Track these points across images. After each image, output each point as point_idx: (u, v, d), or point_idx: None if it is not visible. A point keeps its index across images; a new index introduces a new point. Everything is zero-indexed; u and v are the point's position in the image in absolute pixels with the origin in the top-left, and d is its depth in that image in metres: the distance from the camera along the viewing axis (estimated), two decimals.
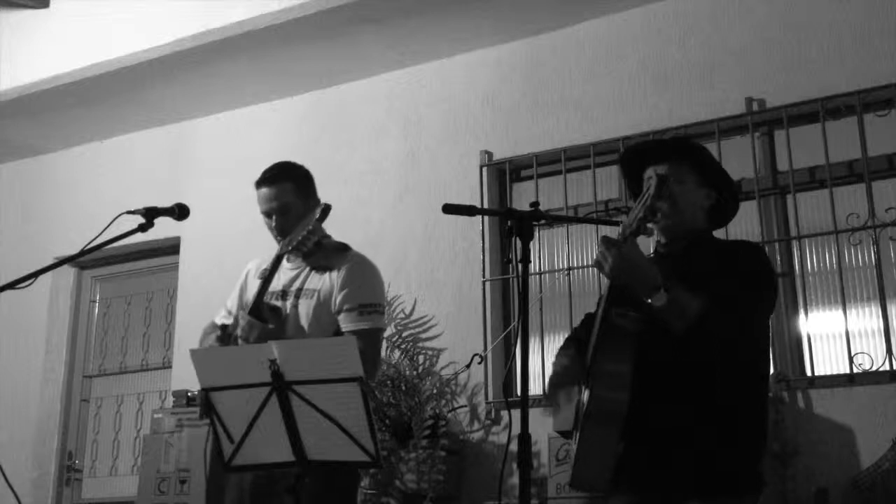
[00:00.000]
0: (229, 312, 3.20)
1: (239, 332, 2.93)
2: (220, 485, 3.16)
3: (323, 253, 3.01)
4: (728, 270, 2.35)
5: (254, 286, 3.08)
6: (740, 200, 2.66)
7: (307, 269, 3.02)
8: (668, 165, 2.48)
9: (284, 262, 3.05)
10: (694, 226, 2.51)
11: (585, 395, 2.34)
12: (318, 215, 2.88)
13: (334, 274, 2.96)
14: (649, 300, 2.24)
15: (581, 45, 4.72)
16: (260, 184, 3.07)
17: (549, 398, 2.57)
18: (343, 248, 3.05)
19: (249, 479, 2.88)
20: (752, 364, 2.40)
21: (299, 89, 5.41)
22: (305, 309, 2.95)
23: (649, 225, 2.38)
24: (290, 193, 3.02)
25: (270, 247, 3.09)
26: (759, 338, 2.43)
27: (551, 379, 2.61)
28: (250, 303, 2.95)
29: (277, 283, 3.02)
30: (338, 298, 2.93)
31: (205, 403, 2.81)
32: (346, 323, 2.92)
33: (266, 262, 3.09)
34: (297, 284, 3.01)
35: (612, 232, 2.36)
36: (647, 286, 2.24)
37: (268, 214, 3.04)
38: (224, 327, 3.06)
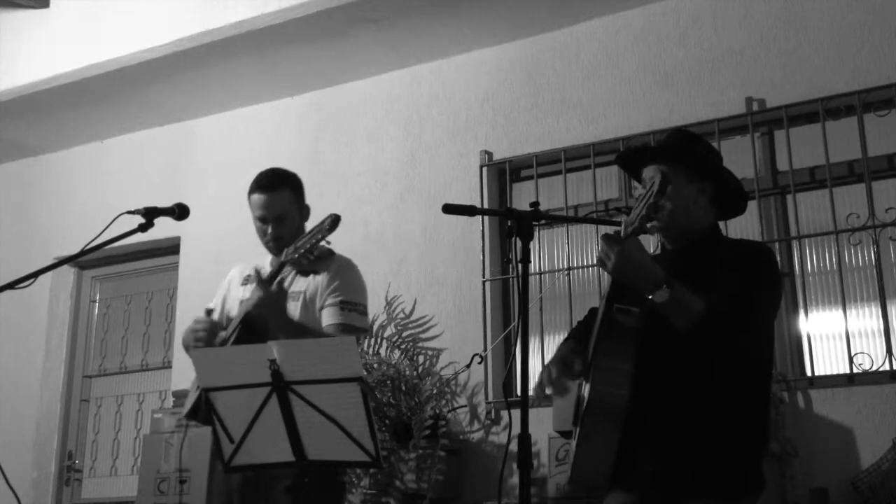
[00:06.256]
0: (209, 312, 3.19)
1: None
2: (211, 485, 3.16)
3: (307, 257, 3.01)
4: (733, 269, 2.34)
5: (237, 293, 3.11)
6: None
7: (292, 272, 3.03)
8: (655, 167, 2.48)
9: (267, 266, 3.07)
10: (691, 224, 2.49)
11: (586, 389, 2.34)
12: (328, 226, 2.82)
13: (321, 276, 2.99)
14: (651, 297, 2.24)
15: (581, 45, 4.72)
16: (256, 190, 3.05)
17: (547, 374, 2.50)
18: (329, 253, 3.06)
19: (238, 479, 2.86)
20: (754, 364, 2.40)
21: (299, 89, 5.41)
22: (292, 311, 2.97)
23: (649, 224, 2.38)
24: (287, 202, 3.03)
25: None
26: (763, 338, 2.42)
27: (552, 360, 2.57)
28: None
29: None
30: (323, 296, 2.97)
31: (203, 404, 2.83)
32: (326, 317, 2.94)
33: (249, 269, 3.11)
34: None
35: (612, 232, 2.36)
36: (650, 283, 2.24)
37: (264, 220, 3.03)
38: (210, 311, 3.09)
